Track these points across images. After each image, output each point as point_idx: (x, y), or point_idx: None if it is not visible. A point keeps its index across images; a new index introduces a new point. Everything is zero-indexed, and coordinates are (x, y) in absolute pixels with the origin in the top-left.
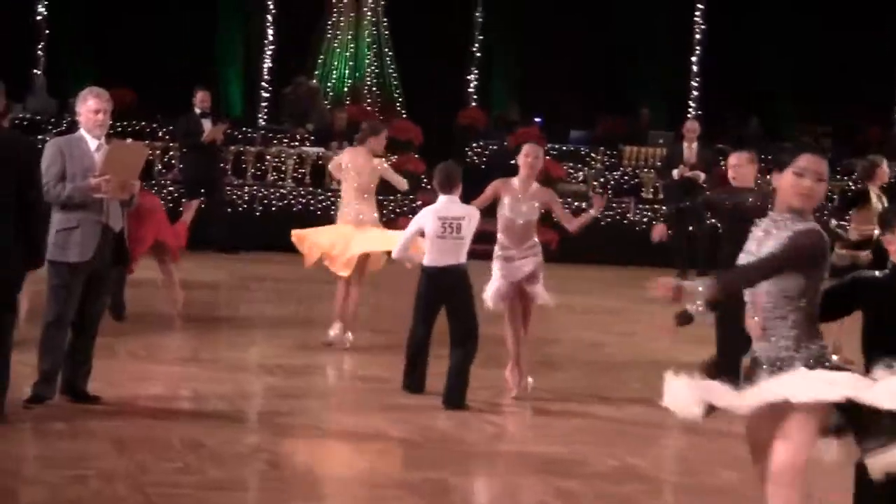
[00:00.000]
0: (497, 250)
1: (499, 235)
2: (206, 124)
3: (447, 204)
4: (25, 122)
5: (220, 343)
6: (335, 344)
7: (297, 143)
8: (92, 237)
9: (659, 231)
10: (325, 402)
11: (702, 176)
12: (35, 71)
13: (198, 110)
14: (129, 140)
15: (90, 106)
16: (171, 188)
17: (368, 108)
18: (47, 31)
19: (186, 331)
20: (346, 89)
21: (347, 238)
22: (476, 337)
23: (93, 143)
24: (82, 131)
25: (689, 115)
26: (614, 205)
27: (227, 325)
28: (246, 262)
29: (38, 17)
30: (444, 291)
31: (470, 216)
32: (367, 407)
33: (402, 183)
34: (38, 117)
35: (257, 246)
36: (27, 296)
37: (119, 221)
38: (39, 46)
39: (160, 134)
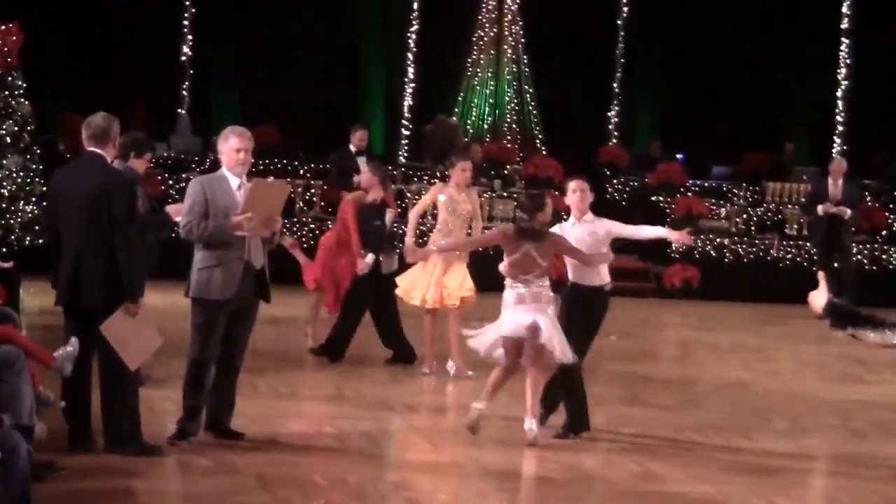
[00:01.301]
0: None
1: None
2: (362, 163)
3: None
4: (170, 161)
5: (363, 380)
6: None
7: (437, 180)
8: (235, 274)
9: None
10: (467, 439)
11: (848, 212)
12: (180, 110)
13: (353, 148)
14: (271, 178)
15: (232, 145)
16: (312, 226)
17: (509, 144)
18: (192, 71)
19: (327, 367)
20: (486, 126)
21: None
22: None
23: (234, 182)
24: (224, 170)
25: (833, 151)
26: (757, 241)
27: (369, 362)
28: None
29: (183, 58)
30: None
31: None
32: (509, 444)
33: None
34: (183, 156)
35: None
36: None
37: (261, 258)
38: (184, 86)
39: (301, 172)
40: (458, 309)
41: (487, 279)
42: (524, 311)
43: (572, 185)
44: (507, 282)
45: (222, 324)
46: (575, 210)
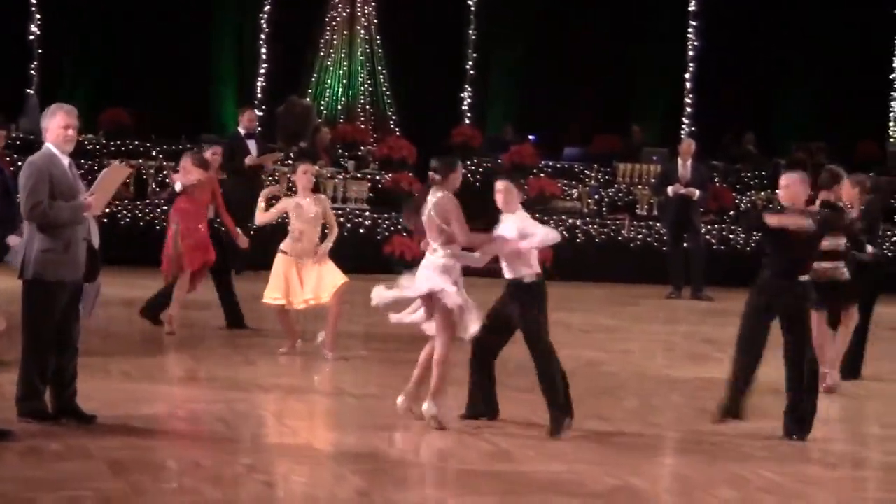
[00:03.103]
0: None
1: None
2: (252, 146)
3: None
4: (18, 142)
5: (217, 362)
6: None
7: (290, 162)
8: (81, 255)
9: None
10: (322, 421)
11: (697, 193)
12: (28, 91)
13: (242, 131)
14: (117, 161)
15: (60, 122)
16: (164, 208)
17: (362, 125)
18: (40, 51)
19: (182, 350)
20: (339, 107)
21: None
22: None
23: (65, 161)
24: (51, 148)
25: (682, 132)
26: (609, 221)
27: (222, 343)
28: (239, 280)
29: (31, 37)
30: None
31: None
32: (364, 426)
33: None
34: (32, 137)
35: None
36: (4, 315)
37: (97, 238)
38: (32, 66)
39: (154, 153)
40: (336, 296)
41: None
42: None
43: (496, 185)
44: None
45: (62, 305)
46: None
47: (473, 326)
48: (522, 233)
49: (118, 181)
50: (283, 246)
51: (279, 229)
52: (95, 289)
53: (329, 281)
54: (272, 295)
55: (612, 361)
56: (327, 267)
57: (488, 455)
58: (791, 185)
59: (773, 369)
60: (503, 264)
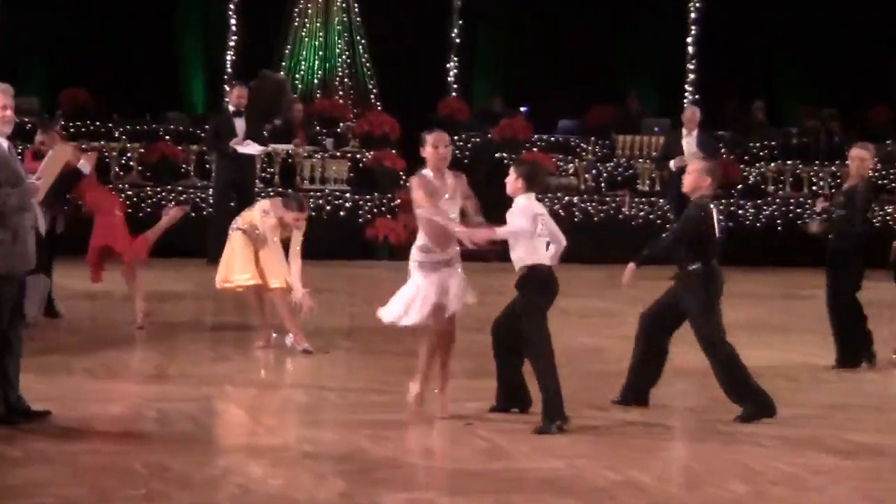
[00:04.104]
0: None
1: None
2: (240, 124)
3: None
4: None
5: (187, 358)
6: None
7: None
8: (31, 244)
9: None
10: (301, 419)
11: None
12: None
13: (231, 108)
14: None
15: None
16: (129, 192)
17: (341, 100)
18: None
19: (149, 346)
20: (316, 81)
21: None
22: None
23: (3, 144)
24: None
25: (685, 101)
26: (608, 198)
27: (193, 338)
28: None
29: None
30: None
31: None
32: (346, 423)
33: None
34: None
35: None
36: None
37: (45, 224)
38: None
39: (116, 134)
40: (283, 295)
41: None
42: None
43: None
44: None
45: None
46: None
47: (413, 316)
48: (507, 220)
49: (62, 162)
50: (240, 223)
51: None
52: (43, 285)
53: (281, 269)
54: (241, 276)
55: (612, 348)
56: (281, 255)
57: (481, 452)
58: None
59: (786, 353)
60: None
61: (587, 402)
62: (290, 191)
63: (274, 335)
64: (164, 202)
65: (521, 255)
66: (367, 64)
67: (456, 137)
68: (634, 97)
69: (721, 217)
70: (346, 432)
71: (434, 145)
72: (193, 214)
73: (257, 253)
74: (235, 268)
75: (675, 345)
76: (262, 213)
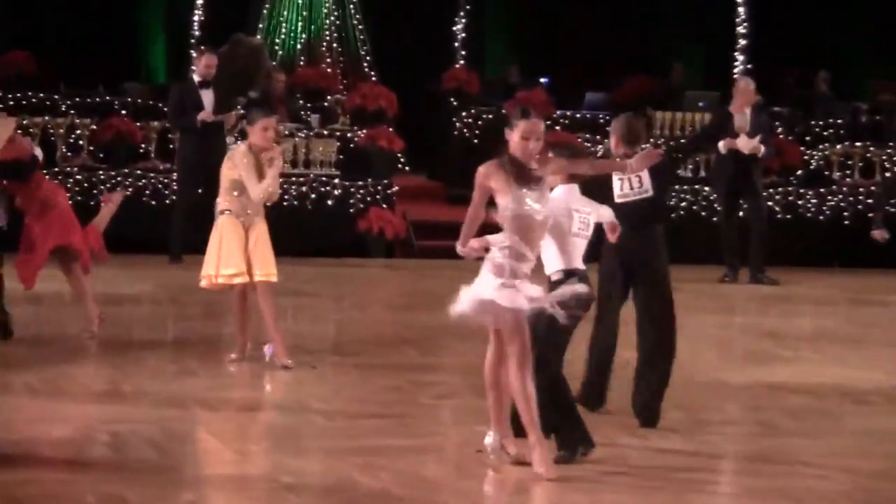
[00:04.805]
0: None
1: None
2: (207, 96)
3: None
4: None
5: (146, 373)
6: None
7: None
8: None
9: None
10: (280, 445)
11: (761, 149)
12: None
13: (197, 78)
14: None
15: None
16: (78, 177)
17: (329, 69)
18: None
19: (101, 358)
20: (299, 47)
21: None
22: None
23: None
24: None
25: (735, 71)
26: None
27: (153, 349)
28: (177, 269)
29: None
30: None
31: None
32: (333, 451)
33: None
34: None
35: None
36: None
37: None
38: None
39: (63, 108)
40: (268, 293)
41: None
42: None
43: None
44: None
45: None
46: None
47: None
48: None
49: (2, 139)
50: (225, 204)
51: None
52: None
53: (268, 260)
54: (226, 272)
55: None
56: (267, 244)
57: (493, 486)
58: None
59: (857, 370)
60: None
61: (619, 426)
62: None
63: (249, 345)
64: (119, 189)
65: (565, 257)
66: (360, 27)
67: (464, 113)
68: (680, 69)
69: None
70: (332, 461)
71: (524, 135)
72: (154, 203)
73: (247, 241)
74: (222, 261)
75: (730, 361)
76: (228, 166)
